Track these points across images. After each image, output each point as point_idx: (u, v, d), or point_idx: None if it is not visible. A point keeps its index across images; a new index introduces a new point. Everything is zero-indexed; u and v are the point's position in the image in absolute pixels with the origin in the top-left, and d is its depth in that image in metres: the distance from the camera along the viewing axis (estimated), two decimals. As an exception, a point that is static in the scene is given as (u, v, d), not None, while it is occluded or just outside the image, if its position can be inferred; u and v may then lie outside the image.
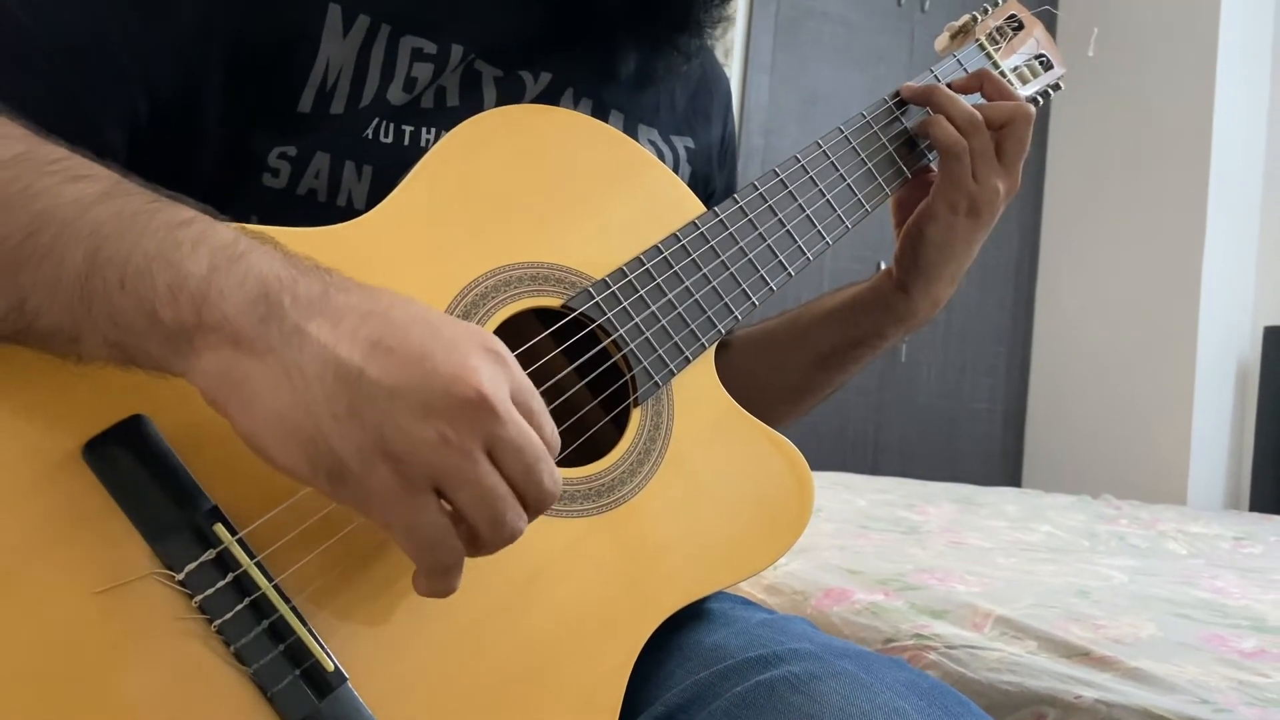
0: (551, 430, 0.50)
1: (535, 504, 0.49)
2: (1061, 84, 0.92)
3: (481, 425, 0.46)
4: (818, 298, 0.87)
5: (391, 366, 0.46)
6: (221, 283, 0.47)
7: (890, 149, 0.79)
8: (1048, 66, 0.90)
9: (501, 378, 0.48)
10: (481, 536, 0.48)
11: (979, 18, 0.88)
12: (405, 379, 0.46)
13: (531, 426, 0.49)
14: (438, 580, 0.49)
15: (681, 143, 0.83)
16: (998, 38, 0.88)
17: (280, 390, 0.45)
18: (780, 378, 0.88)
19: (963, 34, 0.88)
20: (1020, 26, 0.89)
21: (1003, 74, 0.87)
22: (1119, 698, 0.90)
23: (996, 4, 0.89)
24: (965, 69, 0.84)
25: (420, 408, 0.45)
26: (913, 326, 0.83)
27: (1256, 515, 2.84)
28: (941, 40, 0.89)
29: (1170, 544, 2.01)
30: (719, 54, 0.91)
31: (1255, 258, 3.55)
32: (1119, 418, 3.62)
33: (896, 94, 0.81)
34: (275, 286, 0.47)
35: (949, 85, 0.81)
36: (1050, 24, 0.93)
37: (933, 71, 0.83)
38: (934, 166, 0.81)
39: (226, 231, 0.49)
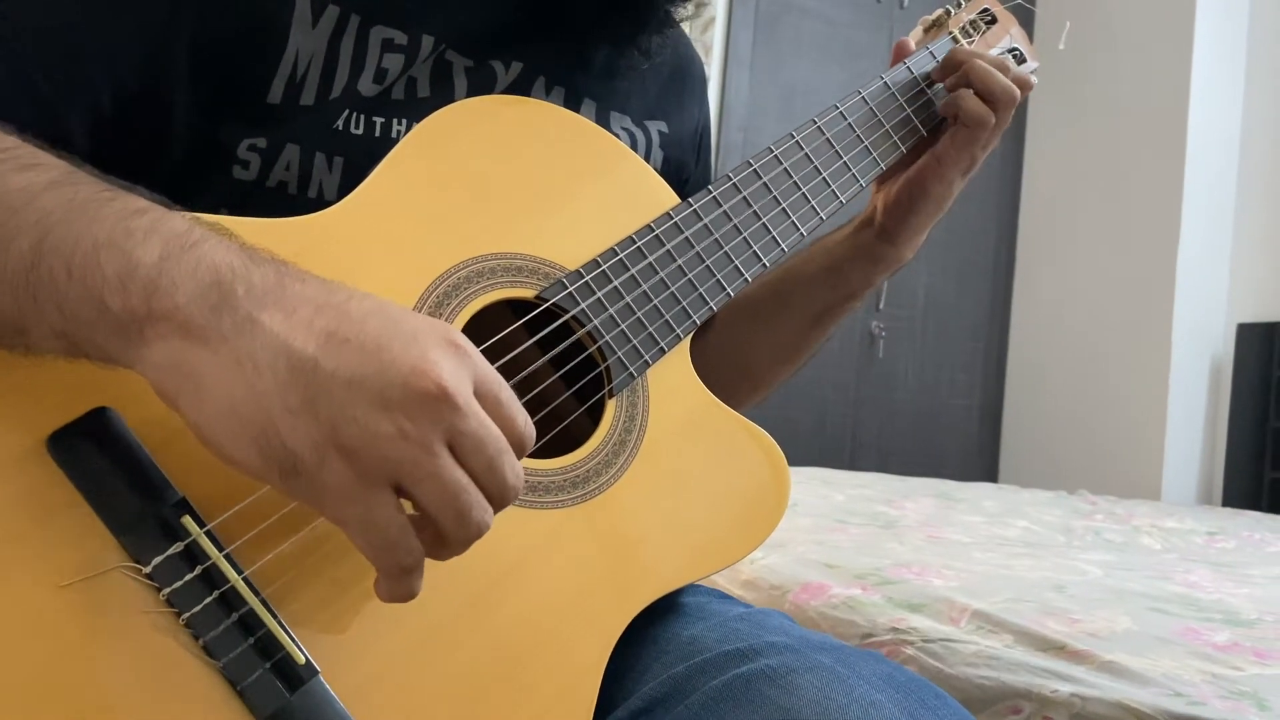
0: (524, 420, 0.49)
1: (498, 499, 0.48)
2: (1035, 78, 0.92)
3: (442, 419, 0.45)
4: (794, 258, 0.88)
5: (347, 358, 0.45)
6: (173, 271, 0.46)
7: (864, 141, 0.79)
8: (1020, 60, 0.90)
9: (463, 370, 0.47)
10: (447, 533, 0.47)
11: (952, 11, 0.88)
12: (362, 371, 0.45)
13: (502, 416, 0.48)
14: (396, 583, 0.47)
15: (655, 127, 0.82)
16: (971, 31, 0.88)
17: (232, 381, 0.44)
18: (774, 342, 0.88)
19: (936, 27, 0.88)
20: (994, 20, 0.90)
21: None
22: (1094, 691, 0.90)
23: (970, -2, 0.90)
24: (939, 61, 0.84)
25: (377, 400, 0.44)
26: (897, 269, 0.86)
27: (1229, 510, 2.87)
28: (915, 33, 0.89)
29: (1145, 539, 2.03)
30: (699, 51, 0.91)
31: (1229, 255, 3.58)
32: (1095, 414, 3.65)
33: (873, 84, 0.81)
34: (228, 275, 0.46)
35: (929, 75, 0.83)
36: (1026, 20, 0.94)
37: (906, 64, 0.83)
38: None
39: (180, 221, 0.48)
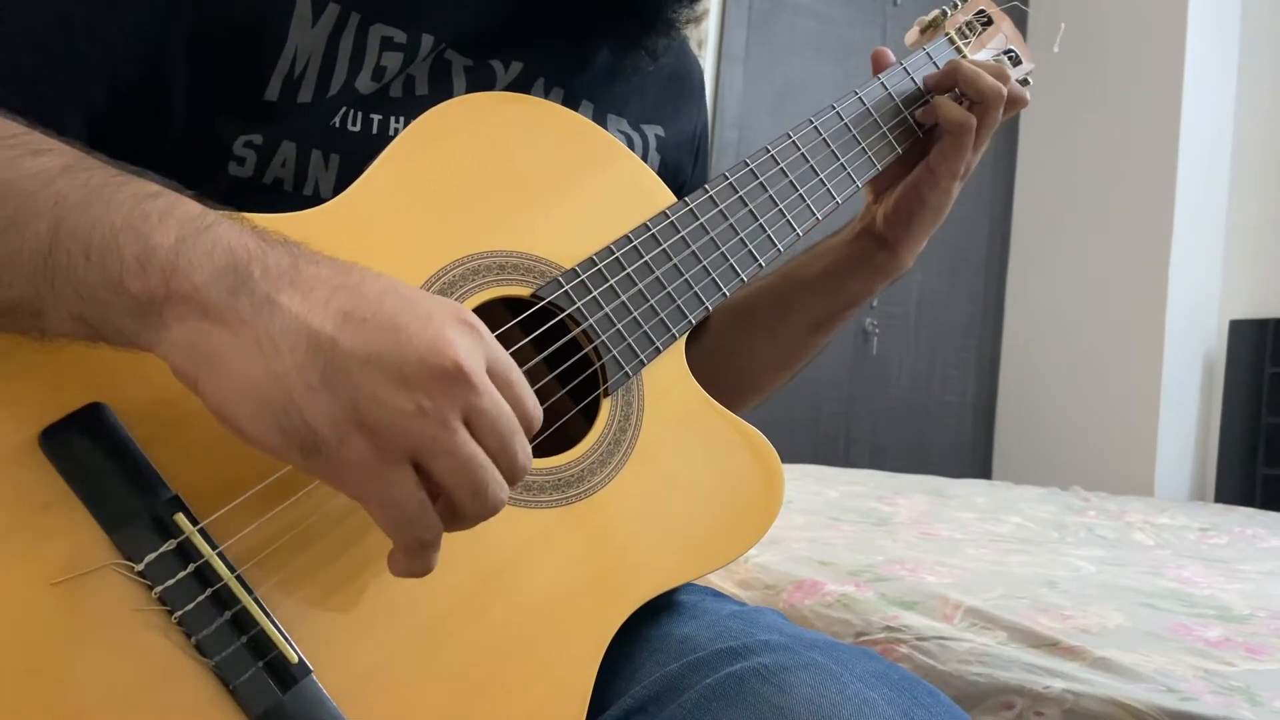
0: (533, 402, 0.50)
1: (508, 477, 0.48)
2: (1030, 79, 0.92)
3: (459, 395, 0.46)
4: (792, 263, 0.88)
5: (365, 337, 0.45)
6: (190, 253, 0.46)
7: (861, 142, 0.79)
8: (1016, 62, 0.90)
9: (478, 349, 0.47)
10: (462, 508, 0.47)
11: (949, 12, 0.88)
12: (380, 349, 0.45)
13: (512, 398, 0.48)
14: (414, 558, 0.48)
15: (652, 131, 0.82)
16: (967, 32, 0.88)
17: (252, 361, 0.45)
18: (773, 348, 0.89)
19: (932, 28, 0.88)
20: (989, 22, 0.90)
21: None
22: (1086, 687, 0.91)
23: (966, -1, 0.90)
24: (935, 63, 0.84)
25: (396, 378, 0.45)
26: (898, 277, 0.86)
27: (1221, 506, 2.88)
28: (911, 34, 0.89)
29: (1137, 535, 2.03)
30: (692, 46, 0.90)
31: (1221, 252, 3.59)
32: (1088, 410, 3.66)
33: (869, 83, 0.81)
34: (244, 257, 0.47)
35: (916, 85, 0.82)
36: (1020, 20, 0.94)
37: (902, 65, 0.83)
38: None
39: (194, 205, 0.49)
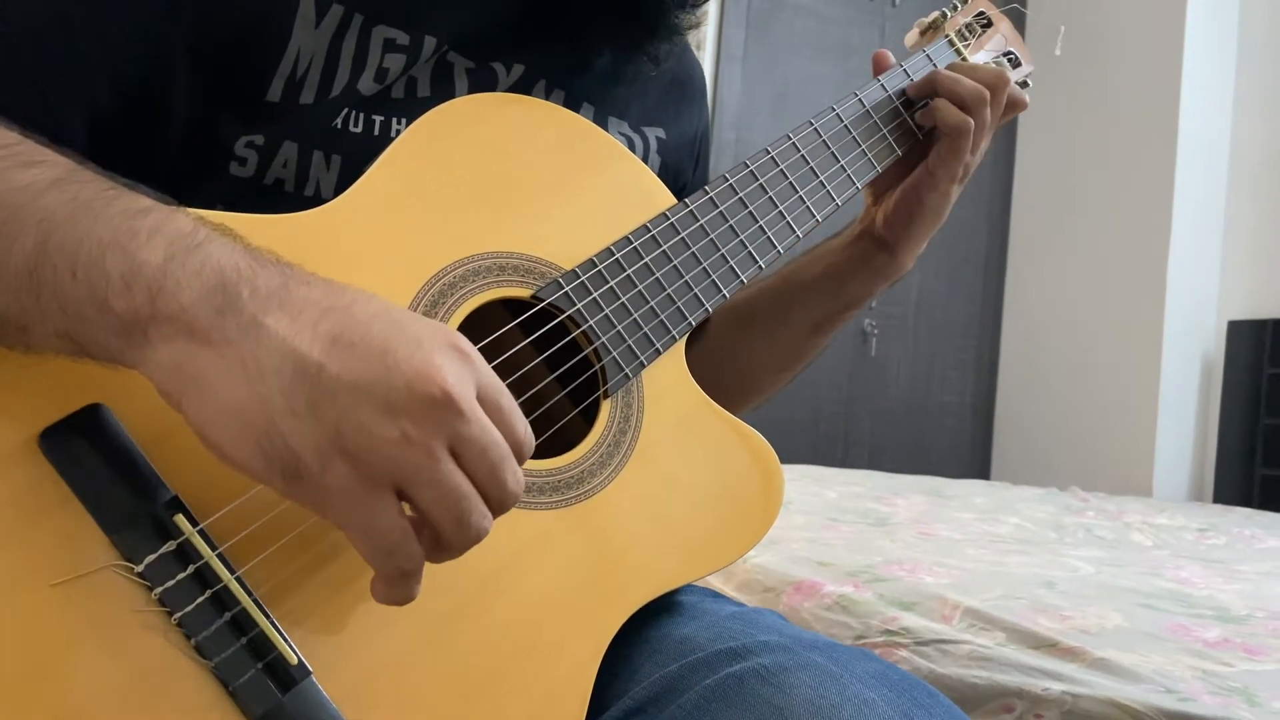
0: (524, 427, 0.49)
1: (498, 505, 0.48)
2: (1029, 81, 0.92)
3: (446, 424, 0.45)
4: (793, 264, 0.88)
5: (352, 362, 0.45)
6: (178, 272, 0.45)
7: (861, 144, 0.79)
8: (1015, 64, 0.90)
9: (467, 375, 0.47)
10: (445, 538, 0.47)
11: (949, 14, 0.88)
12: (367, 375, 0.45)
13: (502, 424, 0.48)
14: (396, 587, 0.47)
15: (653, 133, 0.82)
16: (967, 34, 0.88)
17: (236, 384, 0.44)
18: (774, 349, 0.89)
19: (933, 30, 0.88)
20: (989, 24, 0.90)
21: None
22: (1085, 689, 0.91)
23: (966, 1, 0.90)
24: (935, 65, 0.84)
25: (382, 405, 0.44)
26: (898, 279, 0.86)
27: (1220, 507, 2.88)
28: (911, 36, 0.89)
29: (1136, 535, 2.03)
30: (689, 46, 0.91)
31: (1219, 253, 3.59)
32: (1086, 411, 3.66)
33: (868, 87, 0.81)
34: (234, 277, 0.46)
35: (904, 90, 0.82)
36: (1019, 22, 0.94)
37: (902, 66, 0.83)
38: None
39: (185, 220, 0.48)
